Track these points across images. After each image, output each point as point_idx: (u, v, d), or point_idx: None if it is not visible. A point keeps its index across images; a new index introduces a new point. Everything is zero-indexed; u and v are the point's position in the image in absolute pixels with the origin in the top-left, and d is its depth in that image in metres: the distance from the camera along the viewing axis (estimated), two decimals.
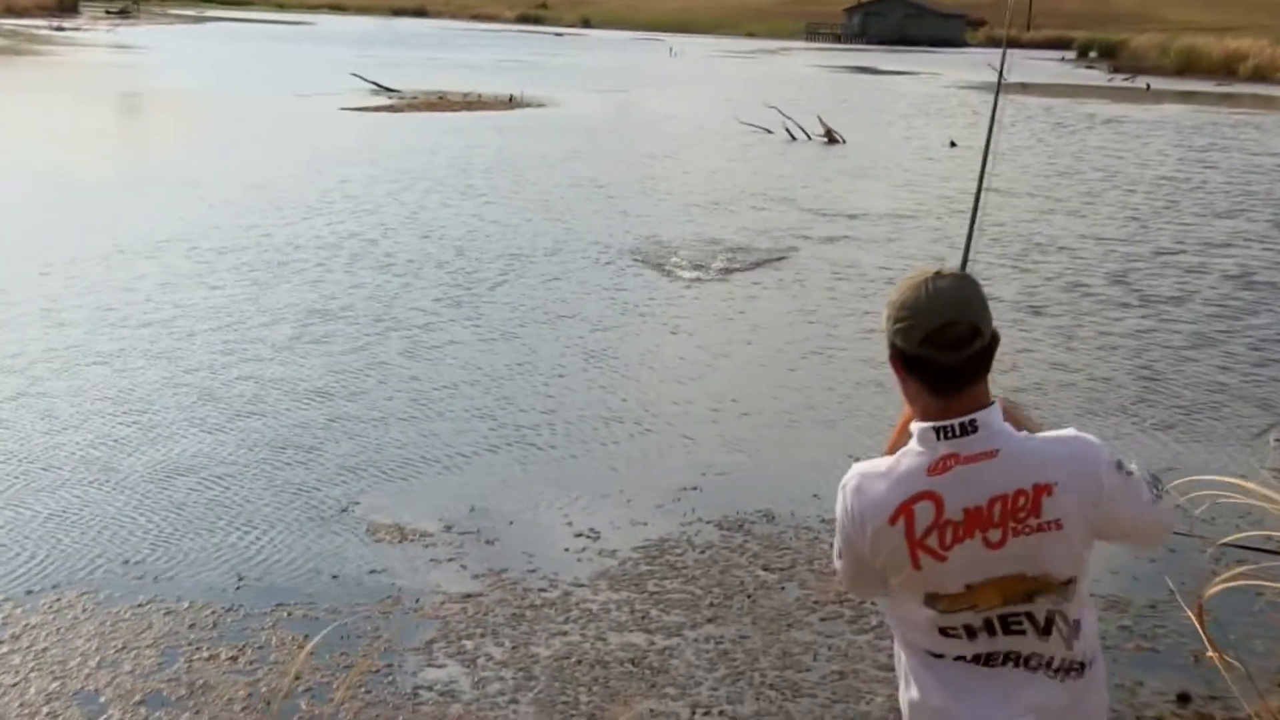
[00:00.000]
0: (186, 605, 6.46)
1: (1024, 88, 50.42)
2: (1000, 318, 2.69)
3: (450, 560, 7.30)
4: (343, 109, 35.91)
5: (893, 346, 2.69)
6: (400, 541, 7.56)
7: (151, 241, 16.40)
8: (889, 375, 2.74)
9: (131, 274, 14.56)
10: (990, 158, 3.98)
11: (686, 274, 14.43)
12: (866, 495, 2.71)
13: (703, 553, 7.46)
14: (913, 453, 2.69)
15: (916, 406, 2.72)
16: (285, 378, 10.99)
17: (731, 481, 8.60)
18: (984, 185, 3.86)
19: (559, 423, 9.61)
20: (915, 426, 2.70)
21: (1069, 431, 2.67)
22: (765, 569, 7.20)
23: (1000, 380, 10.25)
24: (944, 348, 2.59)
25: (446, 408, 9.92)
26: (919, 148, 29.81)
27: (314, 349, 11.87)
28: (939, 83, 58.22)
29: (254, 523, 8.00)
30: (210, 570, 6.92)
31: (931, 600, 2.68)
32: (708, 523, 7.95)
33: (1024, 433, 2.66)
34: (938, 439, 2.66)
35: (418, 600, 6.69)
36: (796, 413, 9.98)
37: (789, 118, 32.96)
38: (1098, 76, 68.14)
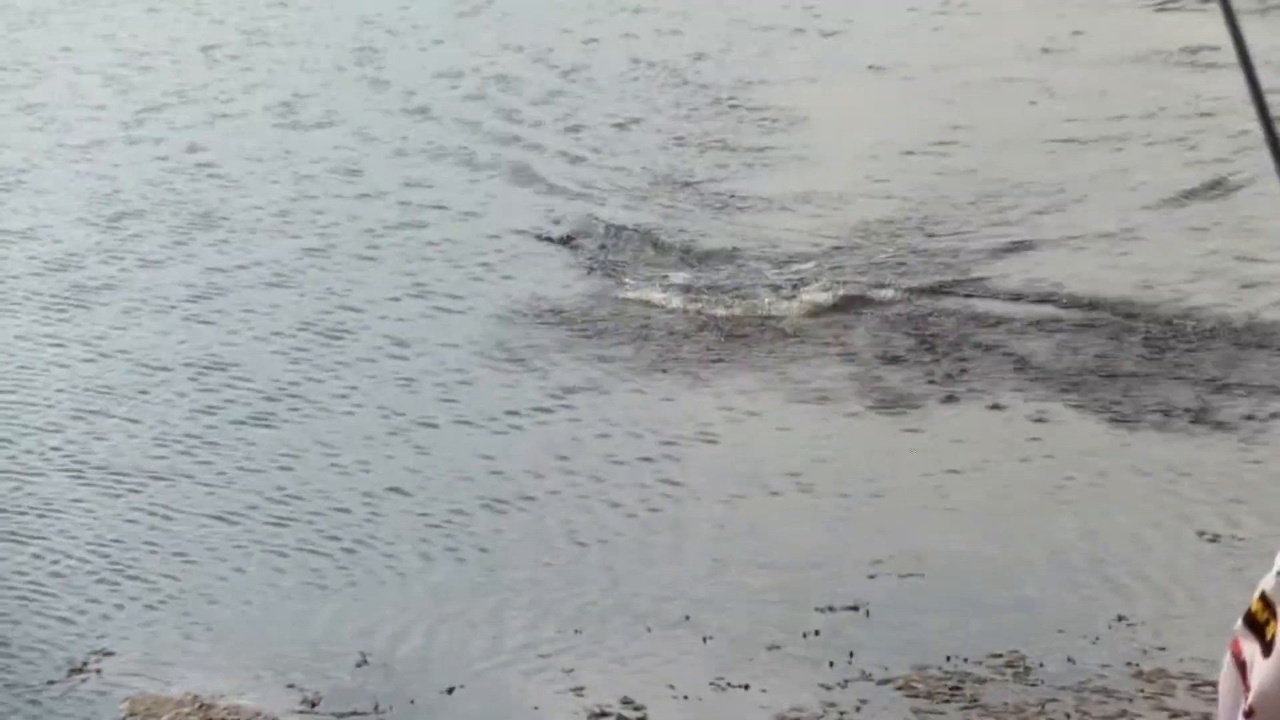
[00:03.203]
0: None
1: None
2: None
3: None
4: None
5: None
6: None
7: None
8: None
9: None
10: None
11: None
12: None
13: None
14: None
15: None
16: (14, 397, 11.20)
17: (931, 589, 8.71)
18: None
19: (543, 482, 9.95)
20: None
21: None
22: None
23: None
24: None
25: (320, 458, 10.36)
26: None
27: (71, 340, 12.12)
28: None
29: None
30: None
31: None
32: (883, 682, 7.87)
33: None
34: None
35: None
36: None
37: None
38: None
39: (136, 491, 9.89)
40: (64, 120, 17.91)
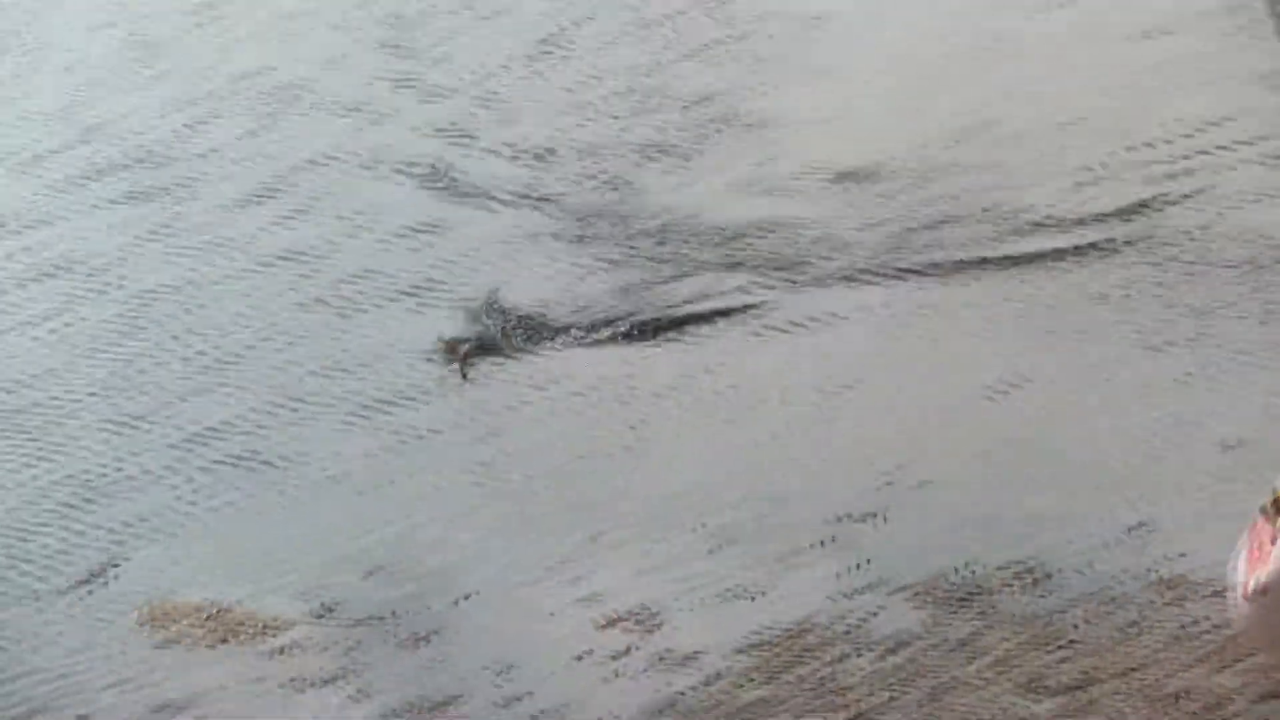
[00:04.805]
0: None
1: None
2: None
3: (334, 681, 7.39)
4: None
5: None
6: (222, 640, 7.66)
7: None
8: None
9: None
10: None
11: None
12: None
13: (888, 655, 7.41)
14: None
15: None
16: None
17: (945, 499, 8.60)
18: None
19: (558, 392, 9.95)
20: None
21: None
22: (1031, 688, 7.12)
23: None
24: None
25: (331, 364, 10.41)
26: None
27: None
28: None
29: None
30: None
31: None
32: (895, 591, 7.86)
33: None
34: None
35: None
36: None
37: None
38: None
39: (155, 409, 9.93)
40: None
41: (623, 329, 10.72)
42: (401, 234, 12.08)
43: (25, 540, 8.55)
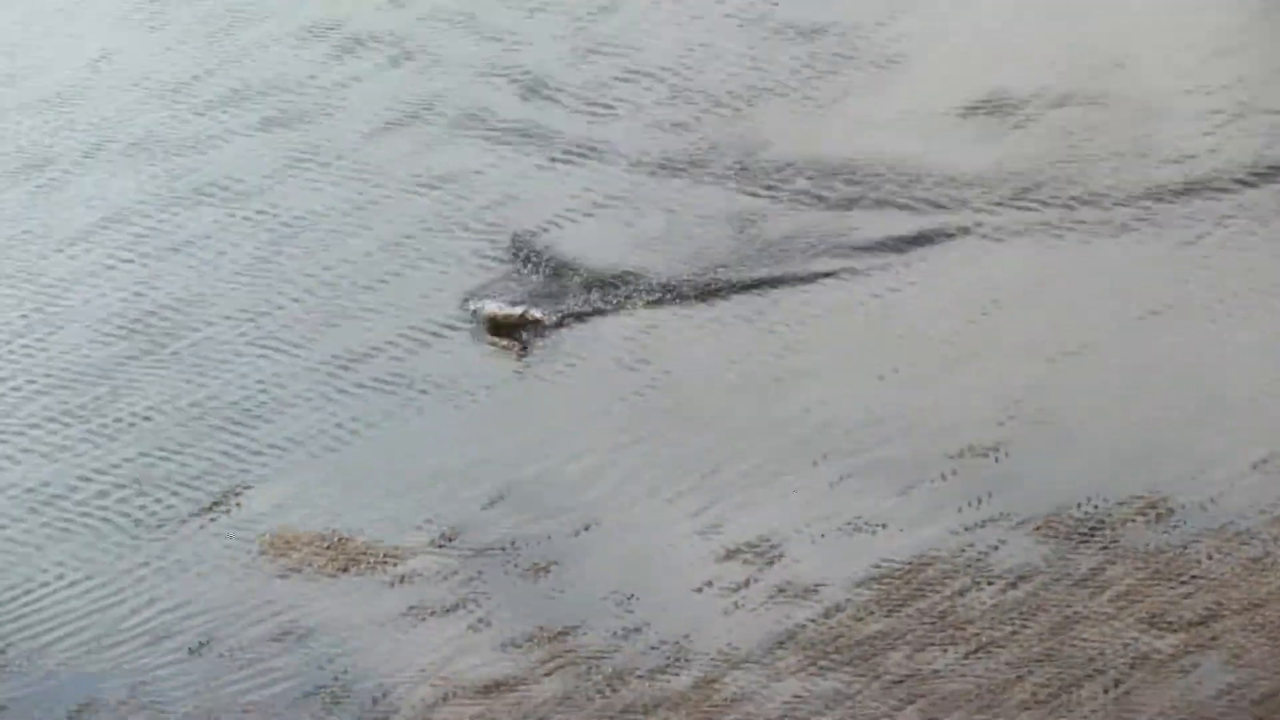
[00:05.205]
0: None
1: None
2: None
3: (454, 610, 7.40)
4: None
5: None
6: (343, 569, 7.69)
7: None
8: None
9: None
10: None
11: None
12: None
13: (1010, 589, 7.34)
14: None
15: None
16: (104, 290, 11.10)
17: (1068, 433, 8.47)
18: None
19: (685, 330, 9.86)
20: None
21: None
22: (1154, 623, 7.04)
23: None
24: None
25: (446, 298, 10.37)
26: None
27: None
28: None
29: (47, 552, 8.12)
30: None
31: None
32: (1020, 523, 7.76)
33: None
34: None
35: (385, 699, 6.91)
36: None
37: None
38: None
39: (302, 334, 9.98)
40: None
41: (713, 285, 10.48)
42: (540, 165, 12.06)
43: (165, 464, 8.60)
